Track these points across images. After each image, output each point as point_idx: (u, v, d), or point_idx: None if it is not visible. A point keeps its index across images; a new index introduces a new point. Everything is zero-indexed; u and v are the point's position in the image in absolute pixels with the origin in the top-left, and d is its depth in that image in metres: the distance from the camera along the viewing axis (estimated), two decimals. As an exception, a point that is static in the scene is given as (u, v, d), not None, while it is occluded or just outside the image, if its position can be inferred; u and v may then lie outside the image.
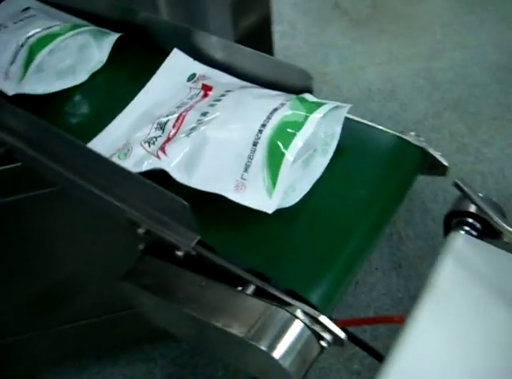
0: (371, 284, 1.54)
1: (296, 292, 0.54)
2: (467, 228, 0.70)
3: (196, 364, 1.40)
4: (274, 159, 0.60)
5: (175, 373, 1.39)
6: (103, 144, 0.70)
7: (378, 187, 0.64)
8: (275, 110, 0.62)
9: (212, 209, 0.63)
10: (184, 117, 0.68)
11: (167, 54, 0.77)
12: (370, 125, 0.70)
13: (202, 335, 0.62)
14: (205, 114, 0.66)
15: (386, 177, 0.65)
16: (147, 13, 0.81)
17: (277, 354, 0.50)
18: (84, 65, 0.82)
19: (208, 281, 0.58)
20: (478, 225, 0.70)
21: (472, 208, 0.70)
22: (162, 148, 0.65)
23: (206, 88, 0.73)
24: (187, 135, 0.65)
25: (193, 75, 0.77)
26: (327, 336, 0.52)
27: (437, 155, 0.68)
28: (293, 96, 0.66)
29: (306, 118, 0.62)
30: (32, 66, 0.77)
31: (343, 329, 0.52)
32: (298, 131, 0.60)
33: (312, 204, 0.62)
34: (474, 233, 0.70)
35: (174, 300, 0.59)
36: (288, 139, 0.60)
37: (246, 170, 0.61)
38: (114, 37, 0.84)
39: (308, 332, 0.51)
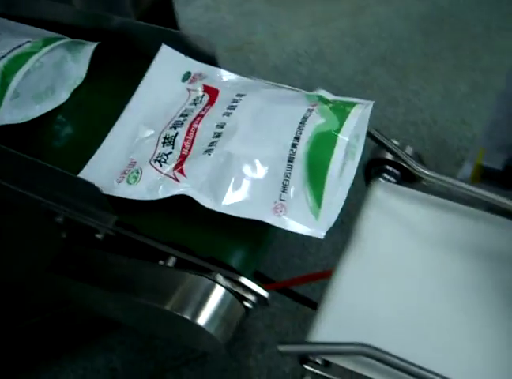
0: (318, 244, 1.56)
1: (216, 258, 0.54)
2: (386, 176, 0.71)
3: (155, 347, 1.40)
4: (316, 176, 0.55)
5: (135, 359, 1.39)
6: (99, 168, 0.62)
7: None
8: (305, 118, 0.58)
9: None
10: (196, 129, 0.61)
11: (149, 58, 0.70)
12: (280, 86, 0.70)
13: (133, 313, 0.62)
14: (221, 125, 0.60)
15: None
16: (123, 18, 0.74)
17: (202, 320, 0.50)
18: (62, 83, 0.73)
19: (130, 260, 0.58)
20: (396, 171, 0.71)
21: (389, 156, 0.71)
22: (178, 168, 0.59)
23: (210, 91, 0.66)
24: (207, 152, 0.58)
25: (188, 74, 0.69)
26: (250, 297, 0.52)
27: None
28: (311, 95, 0.63)
29: (340, 125, 0.57)
30: (8, 93, 0.67)
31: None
32: (336, 142, 0.56)
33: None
34: (393, 180, 0.71)
35: (99, 283, 0.58)
36: (327, 152, 0.55)
37: (284, 190, 0.55)
38: (91, 47, 0.75)
39: (230, 296, 0.52)
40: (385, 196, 0.69)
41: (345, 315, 0.59)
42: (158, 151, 0.61)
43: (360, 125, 0.60)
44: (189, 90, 0.67)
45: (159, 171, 0.59)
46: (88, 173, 0.62)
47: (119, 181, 0.60)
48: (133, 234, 0.58)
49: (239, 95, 0.63)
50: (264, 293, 0.52)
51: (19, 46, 0.70)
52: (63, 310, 1.22)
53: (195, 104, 0.65)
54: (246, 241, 0.55)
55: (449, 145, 1.82)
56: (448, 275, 0.62)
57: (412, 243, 0.65)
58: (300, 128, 0.56)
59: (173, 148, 0.60)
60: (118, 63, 0.77)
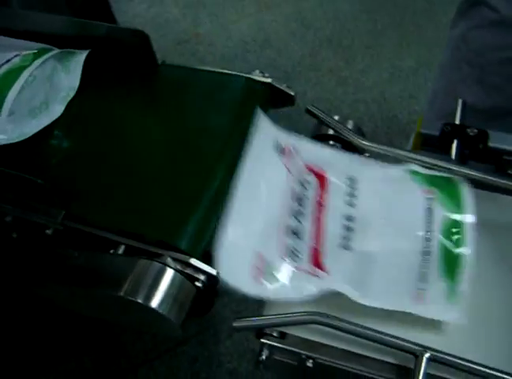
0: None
1: (165, 241, 0.55)
2: (329, 150, 0.72)
3: (124, 343, 1.41)
4: (451, 265, 0.57)
5: (106, 357, 1.39)
6: (229, 256, 0.56)
7: (230, 128, 0.65)
8: (429, 209, 0.60)
9: (79, 181, 0.62)
10: (320, 220, 0.61)
11: (139, 62, 0.69)
12: (217, 72, 0.71)
13: (91, 304, 0.62)
14: (349, 217, 0.61)
15: (238, 116, 0.66)
16: (108, 25, 0.71)
17: (154, 303, 0.51)
18: (55, 96, 0.69)
19: (80, 252, 0.58)
20: (338, 145, 0.72)
21: (330, 131, 0.72)
22: (314, 263, 0.59)
23: (315, 173, 0.65)
24: (343, 247, 0.59)
25: (280, 147, 0.66)
26: (201, 277, 0.53)
27: (282, 86, 0.70)
28: (415, 174, 0.65)
29: (461, 211, 0.60)
30: (4, 112, 0.64)
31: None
32: (465, 230, 0.59)
33: (167, 156, 0.63)
34: (336, 153, 0.72)
35: (53, 278, 0.59)
36: (458, 242, 0.58)
37: (421, 280, 0.57)
38: (81, 56, 0.71)
39: (181, 277, 0.53)
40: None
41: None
42: (284, 243, 0.59)
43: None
44: (286, 166, 0.65)
45: (294, 267, 0.58)
46: (221, 261, 0.56)
47: (256, 280, 0.57)
48: (82, 225, 0.58)
49: (349, 178, 0.64)
50: (213, 271, 0.53)
51: (8, 60, 0.66)
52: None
53: (305, 188, 0.64)
54: (194, 223, 0.56)
55: (399, 120, 1.86)
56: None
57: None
58: (429, 221, 0.59)
59: (300, 240, 0.60)
60: (108, 70, 0.74)
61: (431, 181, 0.63)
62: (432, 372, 0.54)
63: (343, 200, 0.62)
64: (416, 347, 0.53)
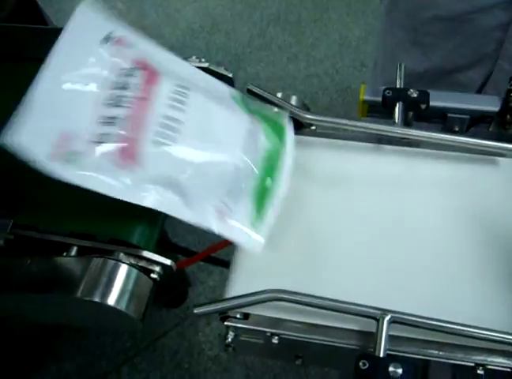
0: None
1: (117, 238, 0.54)
2: (276, 128, 0.72)
3: (103, 344, 1.40)
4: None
5: (86, 360, 1.39)
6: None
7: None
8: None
9: (23, 188, 0.61)
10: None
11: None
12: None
13: (51, 310, 0.62)
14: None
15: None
16: (42, 27, 0.71)
17: (111, 300, 0.51)
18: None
19: (33, 258, 0.57)
20: (284, 121, 0.72)
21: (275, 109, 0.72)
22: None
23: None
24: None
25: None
26: (156, 268, 0.53)
27: (220, 69, 0.69)
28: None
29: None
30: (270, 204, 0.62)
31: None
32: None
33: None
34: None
35: (7, 289, 0.58)
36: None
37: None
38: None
39: (135, 271, 0.53)
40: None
41: (256, 267, 0.60)
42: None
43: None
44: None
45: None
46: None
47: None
48: (32, 232, 0.58)
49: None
50: (167, 262, 0.53)
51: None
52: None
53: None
54: (142, 216, 0.56)
55: (353, 90, 1.87)
56: (355, 210, 0.65)
57: (312, 186, 0.67)
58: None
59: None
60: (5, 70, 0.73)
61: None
62: (396, 333, 0.54)
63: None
64: (376, 311, 0.53)
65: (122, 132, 0.55)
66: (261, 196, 0.58)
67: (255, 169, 0.58)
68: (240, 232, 0.56)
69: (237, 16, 2.21)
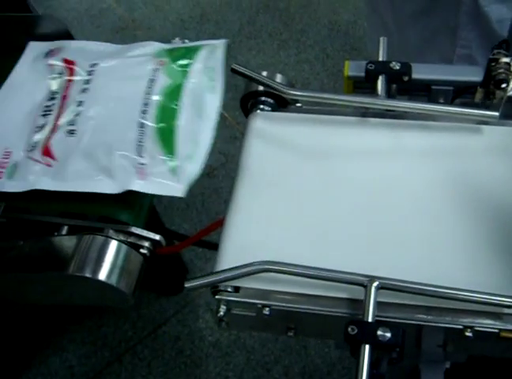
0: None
1: (107, 215, 0.55)
2: (262, 106, 0.73)
3: (105, 334, 1.41)
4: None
5: (89, 351, 1.40)
6: None
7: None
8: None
9: None
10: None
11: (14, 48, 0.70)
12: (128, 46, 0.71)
13: (43, 291, 0.63)
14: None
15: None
16: (27, 14, 0.74)
17: (102, 275, 0.52)
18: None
19: (25, 240, 0.58)
20: (271, 100, 0.73)
21: (260, 87, 0.72)
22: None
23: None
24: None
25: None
26: (145, 244, 0.54)
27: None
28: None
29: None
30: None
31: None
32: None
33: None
34: (269, 108, 0.73)
35: (2, 270, 0.59)
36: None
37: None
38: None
39: (125, 247, 0.53)
40: (263, 124, 0.71)
41: (245, 240, 0.61)
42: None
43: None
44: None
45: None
46: None
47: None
48: (23, 215, 0.59)
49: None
50: (156, 237, 0.54)
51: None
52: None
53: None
54: (131, 193, 0.57)
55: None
56: (342, 182, 0.65)
57: (299, 160, 0.68)
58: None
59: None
60: None
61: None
62: (384, 300, 0.55)
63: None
64: (364, 278, 0.54)
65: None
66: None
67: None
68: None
69: (226, 5, 2.21)
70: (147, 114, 0.59)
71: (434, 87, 0.71)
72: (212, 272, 0.57)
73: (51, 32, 0.70)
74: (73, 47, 0.70)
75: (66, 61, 0.67)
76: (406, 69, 0.69)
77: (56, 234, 0.57)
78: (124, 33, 2.18)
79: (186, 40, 0.71)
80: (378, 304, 0.54)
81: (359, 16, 2.03)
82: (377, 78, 0.69)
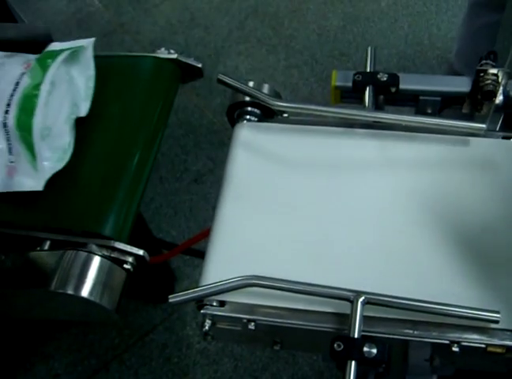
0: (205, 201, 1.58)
1: (89, 230, 0.54)
2: (248, 117, 0.73)
3: (91, 342, 1.40)
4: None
5: (75, 359, 1.38)
6: None
7: (141, 109, 0.65)
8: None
9: None
10: None
11: None
12: (123, 55, 0.71)
13: (25, 306, 0.62)
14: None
15: (148, 96, 0.66)
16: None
17: (85, 292, 0.51)
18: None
19: (7, 254, 0.57)
20: (257, 110, 0.72)
21: (247, 98, 0.72)
22: None
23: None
24: None
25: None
26: (129, 259, 0.53)
27: (189, 60, 0.69)
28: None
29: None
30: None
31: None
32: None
33: (88, 148, 0.63)
34: (255, 119, 0.72)
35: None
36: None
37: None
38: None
39: (108, 262, 0.53)
40: (249, 135, 0.71)
41: (231, 255, 0.61)
42: None
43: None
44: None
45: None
46: None
47: None
48: (5, 229, 0.58)
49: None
50: (139, 252, 0.53)
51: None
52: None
53: None
54: (116, 208, 0.56)
55: (333, 80, 1.86)
56: (328, 195, 0.65)
57: (286, 171, 0.67)
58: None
59: None
60: None
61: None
62: (371, 314, 0.55)
63: None
64: (350, 293, 0.54)
65: None
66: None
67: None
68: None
69: (215, 10, 2.20)
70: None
71: (421, 97, 0.71)
72: (197, 286, 0.57)
73: (33, 40, 0.69)
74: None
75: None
76: (393, 80, 0.69)
77: (39, 248, 0.56)
78: (111, 37, 2.17)
79: (172, 51, 0.70)
80: (364, 318, 0.53)
81: (348, 21, 2.03)
82: (364, 89, 0.69)
